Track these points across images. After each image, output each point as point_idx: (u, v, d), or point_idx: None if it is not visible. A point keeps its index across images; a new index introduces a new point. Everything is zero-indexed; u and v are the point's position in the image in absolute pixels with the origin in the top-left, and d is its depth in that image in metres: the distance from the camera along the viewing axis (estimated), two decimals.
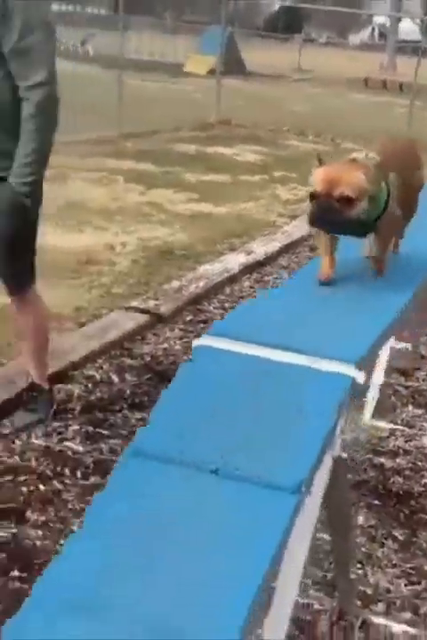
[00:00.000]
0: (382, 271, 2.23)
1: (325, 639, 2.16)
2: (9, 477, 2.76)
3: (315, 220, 2.05)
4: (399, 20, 35.42)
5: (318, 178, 2.01)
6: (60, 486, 2.73)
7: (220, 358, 1.77)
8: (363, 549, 2.55)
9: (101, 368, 3.61)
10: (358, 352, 1.77)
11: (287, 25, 47.51)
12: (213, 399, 1.66)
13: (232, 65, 22.20)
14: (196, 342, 1.79)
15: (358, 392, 1.75)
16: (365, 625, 2.22)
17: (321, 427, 1.57)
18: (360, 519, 2.70)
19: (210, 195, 7.22)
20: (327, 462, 1.67)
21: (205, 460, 1.45)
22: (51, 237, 5.42)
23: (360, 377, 1.68)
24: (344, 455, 1.75)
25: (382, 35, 49.14)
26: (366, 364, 1.82)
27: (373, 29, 55.66)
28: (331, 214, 2.00)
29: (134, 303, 4.29)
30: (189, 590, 1.18)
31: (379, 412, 3.42)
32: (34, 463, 2.85)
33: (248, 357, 1.75)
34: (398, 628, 2.23)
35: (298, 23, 49.88)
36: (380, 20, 50.66)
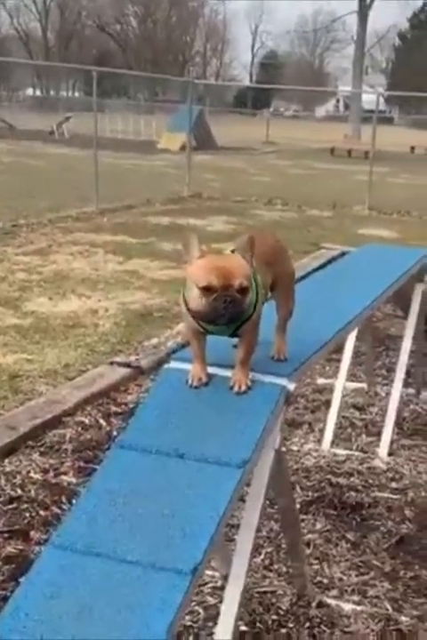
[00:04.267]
0: (246, 381, 2.15)
1: (287, 615, 2.58)
2: (12, 506, 3.18)
3: (218, 315, 1.97)
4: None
5: (209, 271, 1.95)
6: (58, 511, 3.15)
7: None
8: (320, 549, 2.99)
9: (90, 414, 4.05)
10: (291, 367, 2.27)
11: (256, 100, 49.15)
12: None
13: (204, 141, 23.16)
14: None
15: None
16: (321, 605, 2.65)
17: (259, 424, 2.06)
18: (318, 525, 3.14)
19: None
20: (270, 453, 2.14)
21: (173, 447, 1.96)
22: (42, 304, 5.95)
23: (291, 387, 2.18)
24: (283, 449, 2.21)
25: (347, 106, 50.91)
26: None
27: (337, 101, 57.59)
28: (234, 307, 1.95)
29: (117, 359, 4.75)
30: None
31: (337, 442, 3.89)
32: (33, 493, 3.27)
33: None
34: (348, 607, 2.66)
35: (266, 98, 51.64)
36: (345, 90, 52.39)
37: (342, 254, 7.16)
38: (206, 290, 1.95)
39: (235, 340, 2.17)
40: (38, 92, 65.19)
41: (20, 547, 2.91)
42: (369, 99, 38.58)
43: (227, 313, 1.96)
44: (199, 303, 1.98)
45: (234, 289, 1.95)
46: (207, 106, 36.96)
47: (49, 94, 59.69)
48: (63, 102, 39.70)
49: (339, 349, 4.01)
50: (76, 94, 64.54)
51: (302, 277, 4.38)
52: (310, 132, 34.14)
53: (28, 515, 3.12)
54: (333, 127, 34.42)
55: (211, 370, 2.23)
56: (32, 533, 3.00)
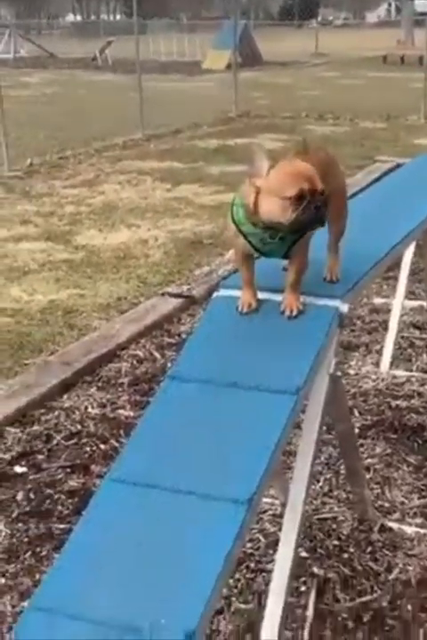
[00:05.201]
0: (297, 305, 2.09)
1: (348, 540, 2.57)
2: (73, 441, 3.22)
3: (311, 221, 1.93)
4: None
5: (295, 178, 1.89)
6: (117, 444, 3.18)
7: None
8: (381, 473, 2.95)
9: (144, 347, 4.04)
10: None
11: (303, 10, 47.49)
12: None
13: (249, 57, 22.59)
14: None
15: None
16: (382, 529, 2.63)
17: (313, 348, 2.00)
18: (378, 449, 3.09)
19: (234, 185, 7.63)
20: (324, 378, 2.09)
21: (225, 377, 1.92)
22: (92, 237, 5.94)
23: (345, 308, 2.11)
24: (339, 373, 2.15)
25: (399, 10, 48.83)
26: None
27: (389, 5, 55.38)
28: (322, 211, 1.93)
29: (169, 289, 4.72)
30: None
31: (396, 363, 3.80)
32: (92, 428, 3.30)
33: None
34: (410, 530, 2.63)
35: (314, 7, 49.94)
36: None
37: (398, 166, 6.91)
38: (298, 198, 1.87)
39: (285, 262, 2.10)
40: (79, 17, 64.31)
41: (82, 480, 2.96)
42: (423, 2, 36.97)
43: (318, 218, 1.92)
44: (286, 214, 1.89)
45: (319, 193, 1.90)
46: (252, 20, 35.98)
47: (89, 19, 58.77)
48: (105, 26, 39.08)
49: (396, 266, 3.89)
50: (118, 17, 63.41)
51: (356, 193, 4.23)
52: (361, 39, 32.97)
53: (88, 449, 3.16)
54: (385, 33, 33.07)
55: (261, 295, 2.16)
56: (93, 467, 3.04)
